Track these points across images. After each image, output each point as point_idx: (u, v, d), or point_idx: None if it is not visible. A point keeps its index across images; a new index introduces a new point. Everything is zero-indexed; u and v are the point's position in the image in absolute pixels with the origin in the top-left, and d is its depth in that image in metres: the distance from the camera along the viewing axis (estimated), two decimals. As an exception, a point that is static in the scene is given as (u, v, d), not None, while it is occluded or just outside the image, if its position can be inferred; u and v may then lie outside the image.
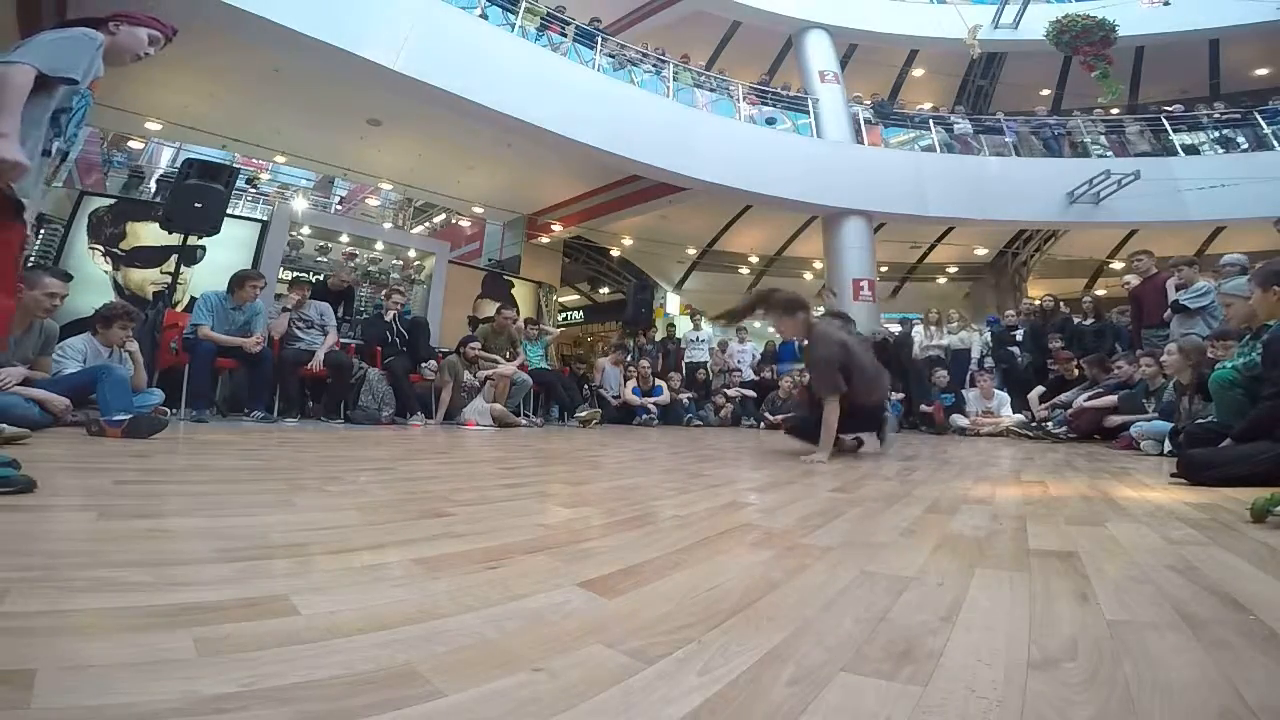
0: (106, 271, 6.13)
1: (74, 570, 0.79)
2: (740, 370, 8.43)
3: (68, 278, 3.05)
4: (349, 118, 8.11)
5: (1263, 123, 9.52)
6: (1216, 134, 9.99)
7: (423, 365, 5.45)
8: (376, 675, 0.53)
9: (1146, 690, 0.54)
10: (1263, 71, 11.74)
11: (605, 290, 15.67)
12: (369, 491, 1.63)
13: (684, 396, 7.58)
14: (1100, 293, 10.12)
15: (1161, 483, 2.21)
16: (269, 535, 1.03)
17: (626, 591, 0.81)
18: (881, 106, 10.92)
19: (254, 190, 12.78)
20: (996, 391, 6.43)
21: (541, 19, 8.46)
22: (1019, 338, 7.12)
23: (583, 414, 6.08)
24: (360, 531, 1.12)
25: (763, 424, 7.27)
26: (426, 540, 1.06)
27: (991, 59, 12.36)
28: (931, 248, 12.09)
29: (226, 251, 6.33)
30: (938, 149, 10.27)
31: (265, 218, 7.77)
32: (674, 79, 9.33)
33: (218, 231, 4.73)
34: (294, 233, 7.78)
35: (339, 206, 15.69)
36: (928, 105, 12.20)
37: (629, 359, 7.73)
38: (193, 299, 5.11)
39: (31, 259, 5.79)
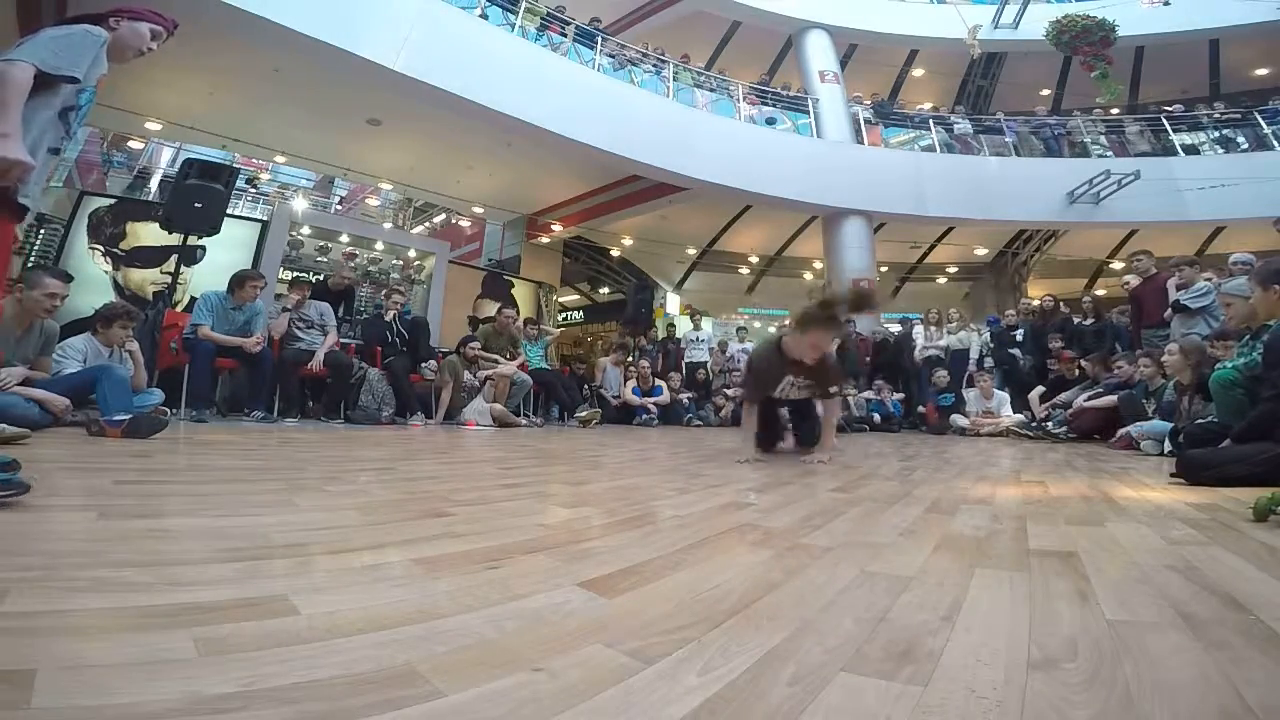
0: (106, 271, 6.13)
1: (74, 570, 0.79)
2: (740, 370, 8.43)
3: (68, 278, 3.04)
4: (349, 118, 8.11)
5: (1263, 123, 9.53)
6: (1216, 134, 10.00)
7: (423, 365, 5.45)
8: (376, 675, 0.53)
9: (1146, 690, 0.54)
10: (1263, 71, 11.74)
11: (605, 290, 15.67)
12: (369, 491, 1.63)
13: (684, 396, 7.58)
14: (1100, 293, 10.12)
15: (1161, 483, 2.21)
16: (269, 535, 1.03)
17: (626, 591, 0.81)
18: (881, 106, 10.92)
19: (254, 190, 12.80)
20: (996, 391, 6.43)
21: (541, 19, 8.47)
22: (1019, 338, 7.12)
23: (583, 414, 6.08)
24: (360, 531, 1.12)
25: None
26: (426, 540, 1.06)
27: (991, 59, 12.36)
28: (931, 248, 12.09)
29: (226, 251, 6.33)
30: (938, 149, 10.27)
31: (265, 218, 7.77)
32: (674, 79, 9.33)
33: (218, 231, 4.73)
34: (294, 233, 7.78)
35: (339, 206, 15.69)
36: (928, 105, 12.20)
37: (629, 359, 7.73)
38: (193, 299, 5.11)
39: (31, 259, 5.80)
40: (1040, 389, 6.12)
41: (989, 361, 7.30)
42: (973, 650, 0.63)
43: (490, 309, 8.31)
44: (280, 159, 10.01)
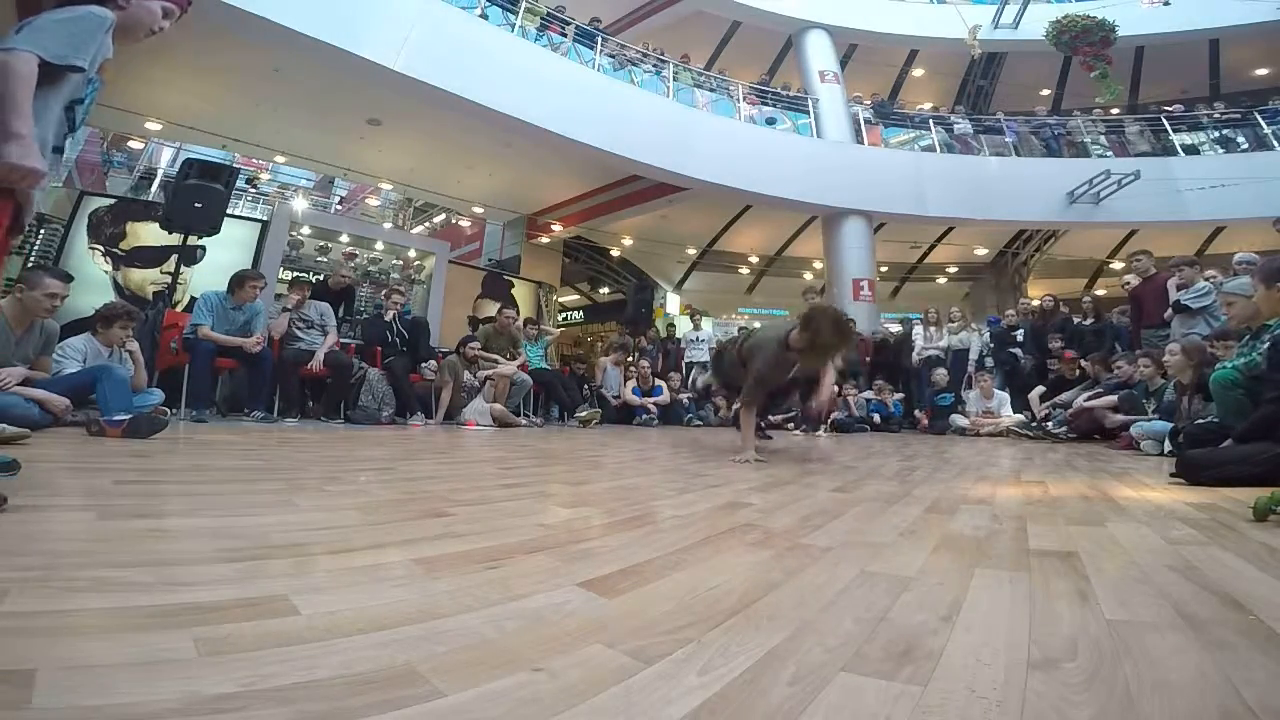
0: (106, 271, 6.12)
1: (74, 570, 0.79)
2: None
3: (68, 278, 3.04)
4: (349, 118, 8.11)
5: (1263, 123, 9.52)
6: (1216, 134, 10.00)
7: (423, 365, 5.45)
8: (376, 675, 0.53)
9: (1146, 690, 0.54)
10: (1263, 71, 11.74)
11: (605, 290, 15.68)
12: (369, 491, 1.63)
13: (684, 396, 7.58)
14: (1100, 293, 10.12)
15: (1161, 483, 2.21)
16: (269, 535, 1.03)
17: (626, 591, 0.81)
18: (881, 106, 10.92)
19: (254, 190, 12.80)
20: (996, 391, 6.44)
21: (541, 19, 8.47)
22: (1019, 338, 7.12)
23: (583, 414, 6.08)
24: (360, 531, 1.12)
25: (763, 424, 7.27)
26: (426, 540, 1.06)
27: (991, 59, 12.36)
28: (931, 248, 12.09)
29: (226, 251, 6.33)
30: (938, 149, 10.27)
31: (265, 218, 7.76)
32: (674, 79, 9.33)
33: (218, 231, 4.73)
34: (294, 233, 7.77)
35: (339, 206, 15.70)
36: (928, 105, 12.21)
37: (629, 359, 7.73)
38: (193, 299, 5.11)
39: (31, 259, 5.80)
40: (1040, 389, 6.12)
41: (989, 361, 7.30)
42: (973, 650, 0.63)
43: (490, 309, 8.30)
44: (280, 159, 10.01)
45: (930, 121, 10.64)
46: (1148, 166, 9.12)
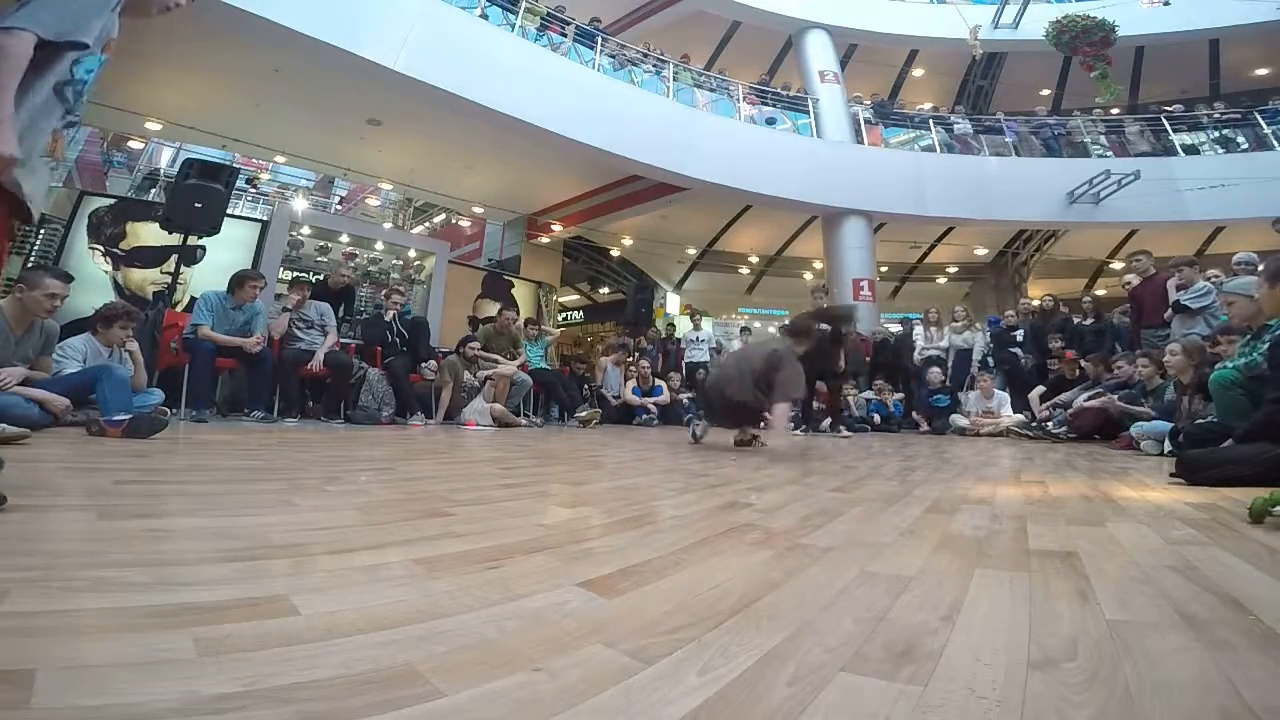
0: (106, 271, 6.13)
1: (74, 570, 0.79)
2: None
3: (68, 278, 3.04)
4: (349, 118, 8.11)
5: (1263, 123, 9.52)
6: (1216, 134, 10.00)
7: (423, 365, 5.45)
8: (376, 675, 0.53)
9: (1146, 690, 0.54)
10: (1263, 71, 11.74)
11: (605, 290, 15.67)
12: (369, 491, 1.63)
13: (684, 396, 7.58)
14: (1100, 293, 10.13)
15: (1161, 483, 2.21)
16: (269, 535, 1.03)
17: (626, 591, 0.81)
18: (881, 106, 10.92)
19: (254, 190, 12.79)
20: (996, 391, 6.44)
21: (541, 19, 8.47)
22: (1019, 338, 7.12)
23: (583, 414, 6.08)
24: (360, 531, 1.12)
25: (763, 424, 7.27)
26: (426, 540, 1.06)
27: (991, 59, 12.36)
28: (931, 248, 12.09)
29: (226, 251, 6.33)
30: (938, 149, 10.27)
31: (265, 218, 7.77)
32: (674, 79, 9.33)
33: (218, 231, 4.73)
34: (294, 233, 7.78)
35: (339, 206, 15.69)
36: (928, 105, 12.21)
37: (629, 358, 7.73)
38: (193, 299, 5.11)
39: (32, 259, 5.80)
40: (1040, 389, 6.12)
41: (990, 361, 7.30)
42: (973, 650, 0.63)
43: (490, 309, 8.31)
44: (280, 159, 10.01)
45: (930, 121, 10.64)
46: (1148, 166, 9.13)
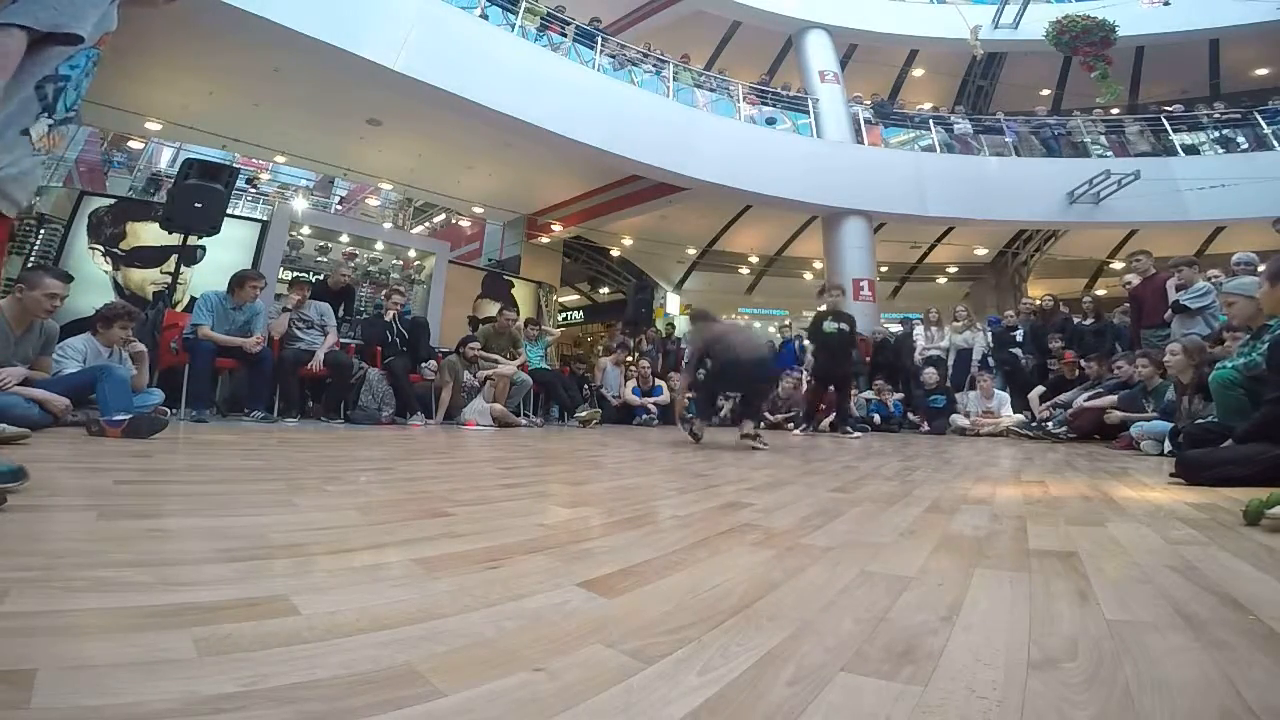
0: (106, 271, 6.12)
1: (74, 570, 0.79)
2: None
3: (68, 279, 3.03)
4: (349, 118, 8.11)
5: (1263, 123, 9.52)
6: (1216, 134, 10.00)
7: (423, 365, 5.45)
8: (376, 675, 0.53)
9: (1146, 690, 0.54)
10: (1263, 71, 11.74)
11: (605, 290, 15.67)
12: (369, 491, 1.63)
13: (684, 397, 7.57)
14: (1100, 293, 10.13)
15: (1161, 483, 2.21)
16: (269, 535, 1.03)
17: (626, 591, 0.81)
18: (881, 106, 10.92)
19: (254, 190, 12.78)
20: (996, 391, 6.43)
21: (541, 19, 8.47)
22: (1019, 338, 7.12)
23: (583, 414, 6.08)
24: (360, 531, 1.12)
25: (763, 424, 7.27)
26: (426, 540, 1.06)
27: (991, 59, 12.36)
28: (931, 248, 12.09)
29: (226, 251, 6.32)
30: (938, 149, 10.27)
31: (265, 218, 7.76)
32: (674, 79, 9.33)
33: (218, 231, 4.73)
34: (294, 233, 7.77)
35: (339, 206, 15.67)
36: (928, 105, 12.21)
37: (629, 358, 7.73)
38: (193, 299, 5.11)
39: (32, 259, 5.80)
40: (1040, 389, 6.12)
41: (990, 361, 7.30)
42: (973, 650, 0.63)
43: (490, 309, 8.30)
44: (280, 159, 10.01)
45: (930, 121, 10.64)
46: (1148, 166, 9.13)
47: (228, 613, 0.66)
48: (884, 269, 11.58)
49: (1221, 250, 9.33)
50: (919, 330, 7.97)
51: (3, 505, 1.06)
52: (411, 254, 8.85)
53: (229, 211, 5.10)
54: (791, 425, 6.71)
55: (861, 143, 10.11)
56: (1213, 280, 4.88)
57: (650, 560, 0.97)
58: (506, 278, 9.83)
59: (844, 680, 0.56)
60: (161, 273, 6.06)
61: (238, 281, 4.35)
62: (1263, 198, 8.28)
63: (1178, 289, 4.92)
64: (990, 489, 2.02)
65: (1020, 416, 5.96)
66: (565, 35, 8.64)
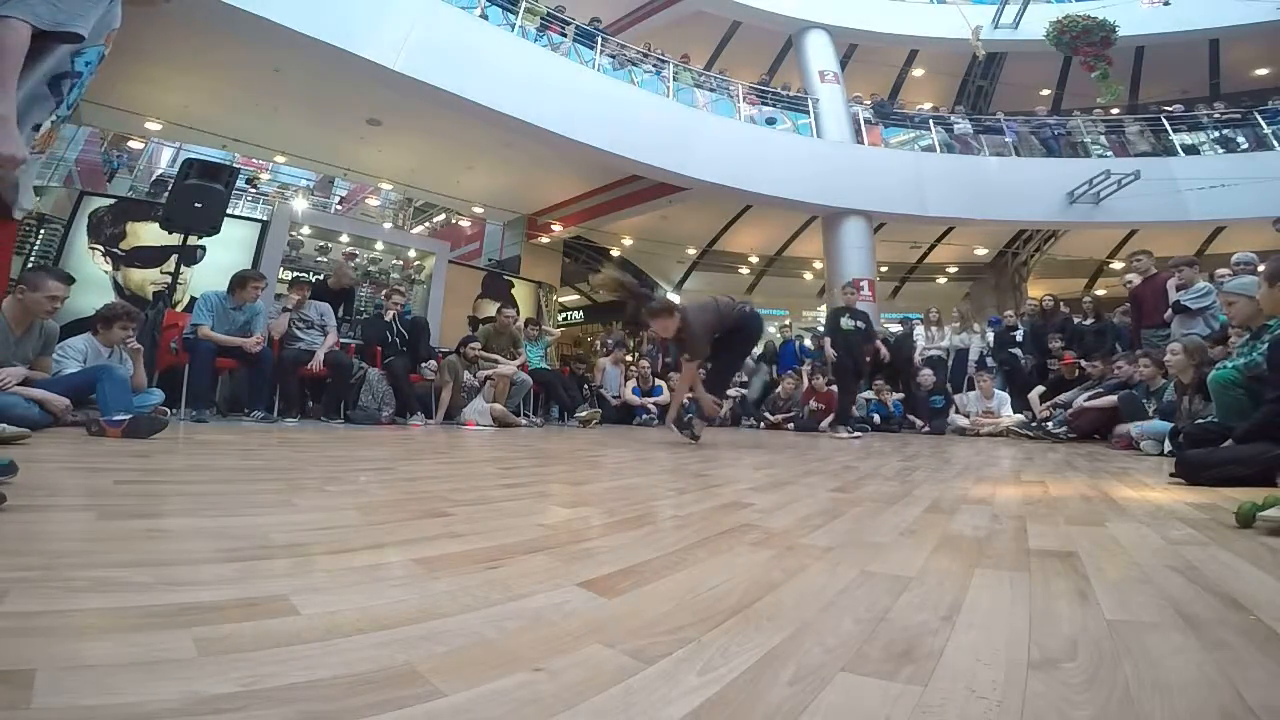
0: (106, 271, 6.13)
1: (74, 570, 0.79)
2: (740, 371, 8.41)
3: (69, 280, 3.04)
4: (349, 118, 8.11)
5: (1263, 123, 9.53)
6: (1216, 134, 10.00)
7: (423, 365, 5.45)
8: (376, 675, 0.53)
9: (1146, 690, 0.54)
10: (1263, 71, 11.75)
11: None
12: (369, 491, 1.63)
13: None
14: (1100, 293, 10.13)
15: (1161, 483, 2.21)
16: (269, 535, 1.03)
17: (626, 591, 0.81)
18: (881, 106, 10.93)
19: (254, 190, 12.78)
20: (996, 391, 6.44)
21: (541, 19, 8.47)
22: (1019, 338, 7.12)
23: (583, 414, 6.08)
24: (360, 531, 1.12)
25: (763, 424, 7.28)
26: (426, 540, 1.06)
27: (991, 59, 12.37)
28: (931, 248, 12.10)
29: (226, 251, 6.33)
30: (938, 149, 10.27)
31: (265, 218, 7.76)
32: (674, 79, 9.33)
33: (218, 231, 4.73)
34: (294, 233, 7.78)
35: (339, 206, 15.68)
36: (928, 105, 12.21)
37: (629, 358, 7.73)
38: (193, 299, 5.11)
39: (32, 259, 5.80)
40: (1040, 389, 6.12)
41: (989, 361, 7.30)
42: (973, 650, 0.63)
43: (490, 309, 8.30)
44: (280, 159, 10.01)
45: (930, 121, 10.64)
46: (1148, 166, 9.13)
47: (227, 613, 0.66)
48: (884, 269, 11.59)
49: (1221, 250, 9.34)
50: (919, 330, 7.97)
51: (2, 505, 1.06)
52: (411, 254, 8.85)
53: (229, 211, 5.10)
54: (791, 425, 6.73)
55: (861, 143, 10.12)
56: (1218, 280, 4.88)
57: (650, 560, 0.97)
58: (506, 278, 9.83)
59: (844, 680, 0.56)
60: (161, 273, 6.06)
61: (239, 282, 4.35)
62: (1263, 198, 8.28)
63: (1178, 289, 4.92)
64: (990, 489, 2.02)
65: (1020, 416, 5.96)
66: (565, 35, 8.65)
